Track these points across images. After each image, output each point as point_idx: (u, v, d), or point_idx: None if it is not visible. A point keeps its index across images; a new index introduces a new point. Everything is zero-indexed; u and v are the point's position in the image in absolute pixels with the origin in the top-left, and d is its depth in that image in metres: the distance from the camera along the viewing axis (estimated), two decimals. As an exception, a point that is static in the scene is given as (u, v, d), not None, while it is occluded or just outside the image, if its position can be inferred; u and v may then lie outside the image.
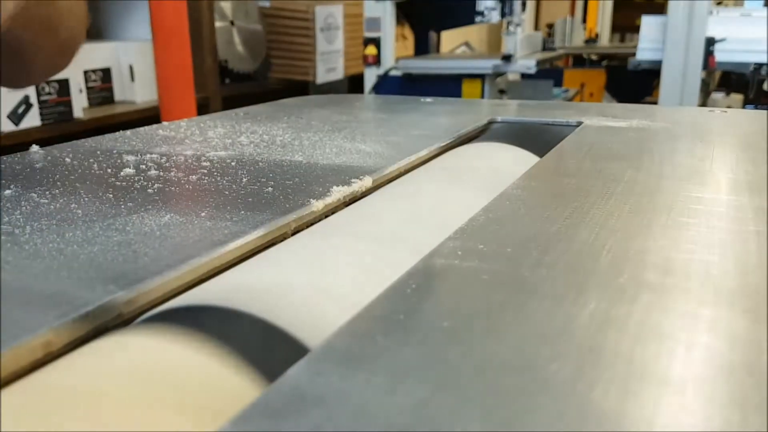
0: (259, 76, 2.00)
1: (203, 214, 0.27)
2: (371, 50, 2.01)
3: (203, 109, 1.67)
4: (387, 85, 2.00)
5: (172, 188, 0.31)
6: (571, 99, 2.26)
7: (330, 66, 2.12)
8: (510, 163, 0.38)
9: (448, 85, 1.91)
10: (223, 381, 0.17)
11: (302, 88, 2.11)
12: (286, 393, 0.14)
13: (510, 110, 0.56)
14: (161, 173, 0.34)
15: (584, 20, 2.97)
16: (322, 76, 2.08)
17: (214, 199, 0.29)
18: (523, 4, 2.10)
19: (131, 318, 0.20)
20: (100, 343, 0.18)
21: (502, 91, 2.19)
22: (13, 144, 1.38)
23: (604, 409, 0.14)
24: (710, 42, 1.79)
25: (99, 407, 0.15)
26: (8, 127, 1.35)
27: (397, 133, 0.47)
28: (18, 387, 0.16)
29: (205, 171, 0.35)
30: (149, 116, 1.59)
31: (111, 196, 0.29)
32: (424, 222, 0.29)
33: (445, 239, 0.24)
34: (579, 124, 0.46)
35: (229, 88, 1.87)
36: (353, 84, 2.31)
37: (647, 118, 0.47)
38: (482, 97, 1.93)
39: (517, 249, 0.22)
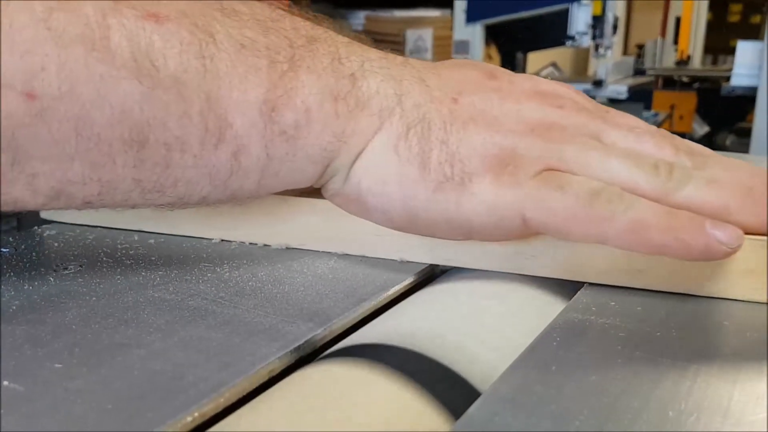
0: (348, 95, 2.08)
1: (360, 258, 0.32)
2: (459, 72, 2.06)
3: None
4: (473, 106, 2.04)
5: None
6: (660, 123, 2.22)
7: (417, 86, 2.19)
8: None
9: (534, 108, 1.93)
10: (407, 410, 0.21)
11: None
12: (474, 429, 0.19)
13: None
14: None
15: (675, 41, 2.91)
16: (409, 96, 2.15)
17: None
18: (614, 27, 2.09)
19: (320, 350, 0.25)
20: (307, 370, 0.23)
21: (588, 114, 2.18)
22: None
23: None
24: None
25: (316, 422, 0.20)
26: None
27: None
28: (250, 405, 0.21)
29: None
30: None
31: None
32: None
33: (578, 294, 0.27)
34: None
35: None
36: (438, 103, 2.36)
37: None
38: (569, 120, 1.93)
39: (646, 307, 0.26)
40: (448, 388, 0.22)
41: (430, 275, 0.31)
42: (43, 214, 0.36)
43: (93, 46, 0.23)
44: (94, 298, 0.26)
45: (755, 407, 0.19)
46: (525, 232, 0.27)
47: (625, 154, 0.27)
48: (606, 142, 0.28)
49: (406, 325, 0.26)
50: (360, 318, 0.27)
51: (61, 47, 0.23)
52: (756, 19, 3.68)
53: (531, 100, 0.29)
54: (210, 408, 0.20)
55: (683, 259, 0.25)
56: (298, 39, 0.27)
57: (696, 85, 2.55)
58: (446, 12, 2.41)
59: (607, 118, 0.29)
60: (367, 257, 0.31)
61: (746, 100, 1.99)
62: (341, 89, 0.27)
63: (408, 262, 0.31)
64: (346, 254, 0.32)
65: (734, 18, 3.79)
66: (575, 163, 0.27)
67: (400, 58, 0.30)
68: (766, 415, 0.19)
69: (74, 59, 0.23)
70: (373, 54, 0.29)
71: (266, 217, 0.33)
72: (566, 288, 0.29)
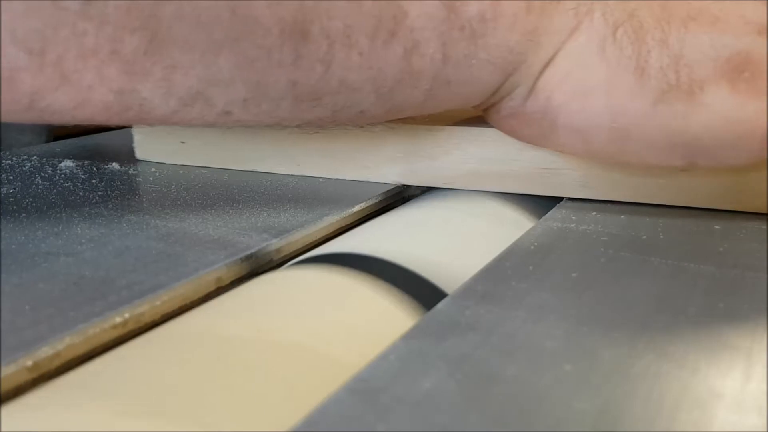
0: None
1: (321, 180, 0.29)
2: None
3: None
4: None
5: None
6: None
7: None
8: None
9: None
10: (373, 311, 0.19)
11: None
12: (442, 321, 0.16)
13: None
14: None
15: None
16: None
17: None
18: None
19: (279, 264, 0.23)
20: (264, 278, 0.20)
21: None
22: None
23: (733, 343, 0.15)
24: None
25: (274, 326, 0.17)
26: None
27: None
28: (197, 312, 0.18)
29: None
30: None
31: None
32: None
33: (557, 206, 0.25)
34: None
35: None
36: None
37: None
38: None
39: (630, 215, 0.24)
40: (417, 291, 0.20)
41: (400, 197, 0.29)
42: (140, 154, 0.32)
43: None
44: (23, 215, 0.24)
45: (754, 301, 0.18)
46: (759, 154, 0.23)
47: None
48: None
49: (372, 239, 0.23)
50: (323, 235, 0.25)
51: None
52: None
53: None
54: (145, 309, 0.17)
55: None
56: None
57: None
58: None
59: None
60: (341, 180, 0.29)
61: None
62: None
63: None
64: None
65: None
66: None
67: None
68: (766, 303, 0.17)
69: None
70: None
71: (405, 151, 0.28)
72: (545, 208, 0.27)
